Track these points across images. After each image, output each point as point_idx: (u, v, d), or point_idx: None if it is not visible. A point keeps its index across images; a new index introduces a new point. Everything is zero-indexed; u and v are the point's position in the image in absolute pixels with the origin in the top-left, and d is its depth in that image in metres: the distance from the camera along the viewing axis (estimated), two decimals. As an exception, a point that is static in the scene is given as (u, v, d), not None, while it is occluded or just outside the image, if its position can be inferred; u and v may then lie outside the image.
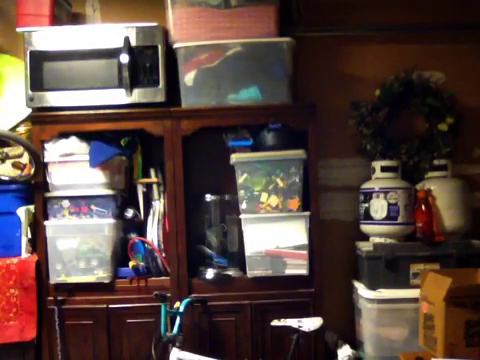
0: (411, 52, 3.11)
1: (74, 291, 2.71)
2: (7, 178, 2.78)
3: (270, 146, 2.76)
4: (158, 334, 2.49)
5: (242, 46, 2.74)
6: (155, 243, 2.76)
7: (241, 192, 2.74)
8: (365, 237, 2.96)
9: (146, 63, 2.71)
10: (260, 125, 2.77)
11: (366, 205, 2.90)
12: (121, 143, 2.83)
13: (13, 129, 2.88)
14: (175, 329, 2.48)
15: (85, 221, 2.72)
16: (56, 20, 2.84)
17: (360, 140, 3.03)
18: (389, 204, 2.83)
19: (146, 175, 2.87)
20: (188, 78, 2.75)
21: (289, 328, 2.49)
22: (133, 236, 2.81)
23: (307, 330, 2.47)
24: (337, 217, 3.13)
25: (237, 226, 2.83)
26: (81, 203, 2.72)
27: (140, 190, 2.86)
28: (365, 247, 2.82)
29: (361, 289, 2.81)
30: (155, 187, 2.84)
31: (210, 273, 2.77)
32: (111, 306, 2.71)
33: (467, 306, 2.32)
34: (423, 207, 2.82)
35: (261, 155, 2.75)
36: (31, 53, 2.72)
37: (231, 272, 2.79)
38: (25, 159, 2.85)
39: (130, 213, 2.81)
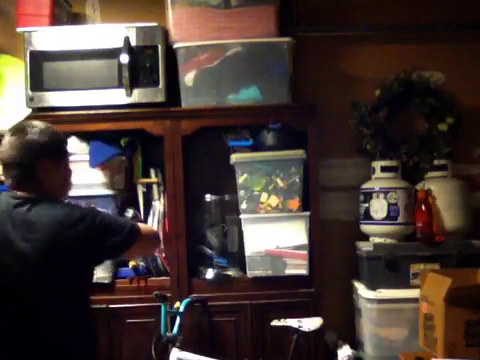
0: (411, 52, 3.10)
1: (74, 291, 2.71)
2: (7, 178, 2.77)
3: (270, 146, 2.76)
4: (158, 334, 2.49)
5: (242, 46, 2.74)
6: (155, 243, 2.76)
7: (241, 192, 2.74)
8: (365, 237, 2.96)
9: (146, 63, 2.71)
10: (260, 125, 2.77)
11: (366, 205, 2.90)
12: (121, 143, 2.83)
13: (13, 129, 2.87)
14: (175, 329, 2.48)
15: (85, 221, 2.71)
16: (56, 20, 2.84)
17: (360, 140, 3.03)
18: (389, 204, 2.83)
19: (146, 175, 2.87)
20: (188, 78, 2.75)
21: (289, 328, 2.49)
22: (133, 236, 2.80)
23: (307, 330, 2.47)
24: (337, 217, 3.12)
25: (237, 226, 2.83)
26: (81, 203, 2.72)
27: (140, 190, 2.86)
28: (365, 247, 2.82)
29: (361, 289, 2.81)
30: (155, 187, 2.84)
31: (210, 273, 2.77)
32: (111, 306, 2.71)
33: (467, 306, 2.32)
34: (423, 207, 2.82)
35: (261, 155, 2.75)
36: (31, 53, 2.72)
37: (231, 272, 2.79)
38: (25, 159, 2.84)
39: (130, 213, 2.81)
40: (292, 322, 2.48)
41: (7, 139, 1.75)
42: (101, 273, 2.69)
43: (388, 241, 2.86)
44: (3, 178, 2.74)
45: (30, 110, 2.78)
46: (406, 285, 2.73)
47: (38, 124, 1.80)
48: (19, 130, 1.77)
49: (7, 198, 1.74)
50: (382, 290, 2.74)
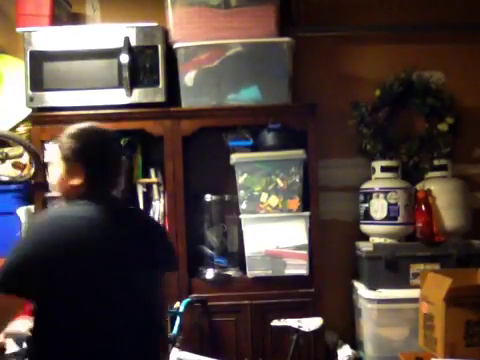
0: (411, 52, 3.10)
1: (74, 291, 2.71)
2: (7, 178, 2.78)
3: (270, 146, 2.76)
4: (158, 334, 2.49)
5: (242, 46, 2.74)
6: (155, 243, 2.76)
7: (241, 192, 2.74)
8: (365, 237, 2.96)
9: (146, 63, 2.71)
10: (260, 125, 2.77)
11: (366, 205, 2.90)
12: (121, 143, 2.82)
13: (13, 129, 2.88)
14: (175, 329, 2.48)
15: (85, 221, 2.71)
16: (56, 20, 2.84)
17: (360, 140, 3.03)
18: (389, 204, 2.83)
19: (146, 175, 2.87)
20: (188, 78, 2.75)
21: (289, 328, 2.49)
22: (133, 236, 2.80)
23: (307, 330, 2.47)
24: (337, 217, 3.12)
25: (237, 226, 2.83)
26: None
27: (140, 190, 2.86)
28: (365, 247, 2.82)
29: (361, 289, 2.81)
30: (155, 187, 2.84)
31: (210, 273, 2.77)
32: (111, 306, 2.70)
33: (467, 306, 2.32)
34: (423, 207, 2.82)
35: (261, 155, 2.75)
36: (31, 53, 2.72)
37: (231, 272, 2.79)
38: (25, 159, 2.85)
39: (130, 213, 2.81)
40: (292, 322, 2.48)
41: (103, 144, 1.78)
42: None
43: (388, 241, 2.86)
44: (3, 177, 2.76)
45: (30, 110, 2.78)
46: (406, 285, 2.74)
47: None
48: (107, 135, 1.80)
49: (99, 206, 1.69)
50: (382, 290, 2.74)
